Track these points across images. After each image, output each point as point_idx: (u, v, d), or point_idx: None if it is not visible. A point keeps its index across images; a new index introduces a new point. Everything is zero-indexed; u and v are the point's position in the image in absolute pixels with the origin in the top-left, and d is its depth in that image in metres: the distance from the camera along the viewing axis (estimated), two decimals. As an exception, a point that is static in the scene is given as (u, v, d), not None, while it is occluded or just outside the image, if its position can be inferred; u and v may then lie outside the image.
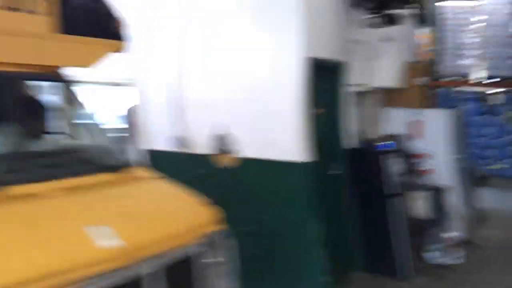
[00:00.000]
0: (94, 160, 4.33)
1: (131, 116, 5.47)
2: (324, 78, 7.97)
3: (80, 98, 4.83)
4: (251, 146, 7.23)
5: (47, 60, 4.24)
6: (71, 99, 4.97)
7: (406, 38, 10.44)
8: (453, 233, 8.66)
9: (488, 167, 16.99)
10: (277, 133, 7.10)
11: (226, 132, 6.49)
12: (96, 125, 4.99)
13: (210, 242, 4.08)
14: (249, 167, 7.21)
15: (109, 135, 5.09)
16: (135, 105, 6.12)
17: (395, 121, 9.90)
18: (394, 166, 8.23)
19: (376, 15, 8.52)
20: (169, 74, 7.75)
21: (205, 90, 7.61)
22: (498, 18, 14.45)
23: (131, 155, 5.01)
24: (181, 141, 6.41)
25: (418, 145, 9.64)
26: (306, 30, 6.95)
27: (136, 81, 8.04)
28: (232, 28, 7.41)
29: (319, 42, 7.49)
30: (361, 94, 9.27)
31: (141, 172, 4.56)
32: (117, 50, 5.03)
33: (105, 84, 9.87)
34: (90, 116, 4.98)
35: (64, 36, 4.40)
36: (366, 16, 8.68)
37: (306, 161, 6.95)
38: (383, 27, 8.81)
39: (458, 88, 16.40)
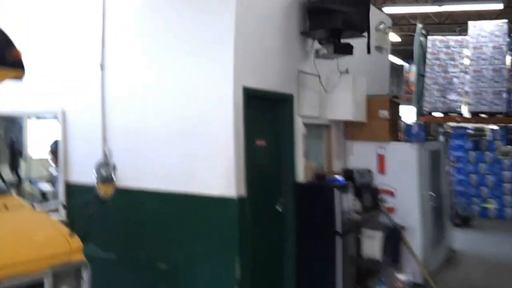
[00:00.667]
0: None
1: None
2: (266, 109, 7.68)
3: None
4: (175, 179, 6.94)
5: None
6: None
7: (372, 68, 10.15)
8: (405, 276, 8.15)
9: (476, 206, 16.46)
10: (203, 165, 6.79)
11: (108, 158, 6.19)
12: None
13: (64, 271, 4.14)
14: (170, 202, 6.93)
15: None
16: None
17: (357, 155, 9.51)
18: (347, 202, 7.79)
19: (329, 45, 8.19)
20: (92, 103, 7.58)
21: (129, 120, 7.38)
22: (485, 52, 14.11)
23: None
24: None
25: (380, 180, 9.22)
26: (239, 61, 6.67)
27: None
28: (161, 55, 7.19)
29: (258, 73, 7.20)
30: (317, 127, 8.93)
31: (9, 200, 4.60)
32: (15, 78, 4.96)
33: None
34: None
35: None
36: (318, 47, 8.37)
37: (235, 196, 6.56)
38: (336, 57, 8.49)
39: (447, 124, 16.07)
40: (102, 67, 7.71)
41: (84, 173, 7.64)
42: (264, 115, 7.63)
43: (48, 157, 8.66)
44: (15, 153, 5.40)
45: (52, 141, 8.51)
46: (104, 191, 4.92)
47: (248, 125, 6.90)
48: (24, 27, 8.32)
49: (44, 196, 8.78)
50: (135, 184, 7.30)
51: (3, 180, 5.01)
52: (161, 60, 7.21)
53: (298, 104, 8.12)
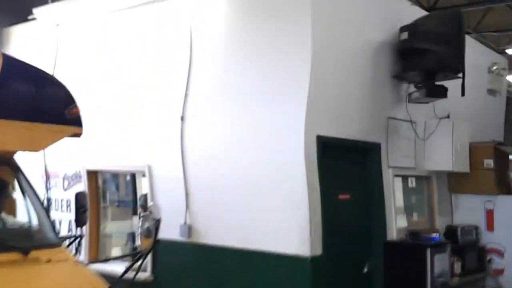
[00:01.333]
0: (7, 241, 4.41)
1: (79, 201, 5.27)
2: (350, 160, 7.06)
3: (26, 181, 4.86)
4: (249, 235, 6.48)
5: None
6: (17, 182, 4.94)
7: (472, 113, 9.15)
8: None
9: None
10: (276, 221, 6.28)
11: (153, 212, 5.87)
12: (33, 207, 4.92)
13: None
14: (245, 260, 6.46)
15: (39, 217, 4.90)
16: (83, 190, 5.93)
17: (463, 209, 8.49)
18: (442, 264, 6.87)
19: (422, 88, 7.46)
20: (173, 157, 7.41)
21: (205, 173, 7.10)
22: None
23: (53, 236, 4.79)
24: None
25: (488, 238, 8.11)
26: (313, 107, 6.20)
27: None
28: (234, 104, 6.89)
29: (337, 120, 6.66)
30: (416, 179, 8.10)
31: (55, 254, 4.52)
32: (73, 135, 4.97)
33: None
34: (32, 198, 4.93)
35: (7, 122, 4.41)
36: (411, 90, 7.66)
37: (309, 255, 5.97)
38: (431, 101, 7.71)
39: None
40: (182, 119, 7.55)
41: (169, 228, 7.49)
42: (347, 166, 7.01)
43: (139, 211, 8.61)
44: (81, 206, 5.26)
45: (141, 196, 8.47)
46: (145, 245, 4.62)
47: (327, 178, 6.33)
48: (109, 87, 8.58)
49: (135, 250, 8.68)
50: (212, 241, 6.97)
51: (56, 233, 4.89)
52: (234, 110, 6.91)
53: (387, 154, 7.40)
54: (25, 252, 4.24)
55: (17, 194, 4.98)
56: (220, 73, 7.17)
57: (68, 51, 9.31)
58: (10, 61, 4.58)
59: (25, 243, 4.45)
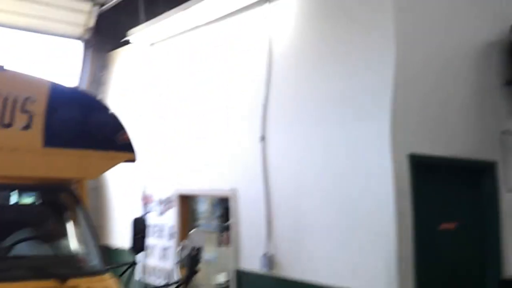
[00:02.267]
0: (47, 267, 4.26)
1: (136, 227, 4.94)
2: (455, 182, 5.99)
3: (82, 208, 4.66)
4: (335, 272, 5.68)
5: (41, 172, 4.30)
6: (71, 209, 4.78)
7: None
8: None
9: None
10: (362, 256, 5.41)
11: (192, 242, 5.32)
12: (83, 234, 4.73)
13: None
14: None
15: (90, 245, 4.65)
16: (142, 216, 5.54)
17: None
18: None
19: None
20: (255, 181, 6.82)
21: (288, 200, 6.40)
22: None
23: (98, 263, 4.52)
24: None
25: None
26: (401, 121, 5.35)
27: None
28: (315, 123, 6.14)
29: (434, 136, 5.67)
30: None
31: (93, 282, 4.33)
32: (127, 161, 4.87)
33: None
34: (85, 226, 4.74)
35: (59, 150, 4.41)
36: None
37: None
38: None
39: None
40: (262, 139, 6.94)
41: (250, 258, 6.93)
42: (451, 189, 5.94)
43: (222, 237, 8.12)
44: (138, 232, 4.95)
45: (224, 223, 7.98)
46: (183, 274, 4.13)
47: (423, 204, 5.38)
48: (194, 109, 8.30)
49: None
50: (294, 274, 6.28)
51: (103, 261, 4.55)
52: (315, 128, 6.17)
53: (504, 174, 6.20)
54: (63, 279, 4.08)
55: (69, 221, 4.75)
56: (298, 88, 6.48)
57: (160, 71, 9.24)
58: (58, 88, 4.50)
59: (66, 270, 4.30)
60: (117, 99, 10.27)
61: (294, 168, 6.41)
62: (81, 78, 10.74)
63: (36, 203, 5.20)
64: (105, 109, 4.81)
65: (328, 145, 5.96)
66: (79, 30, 10.61)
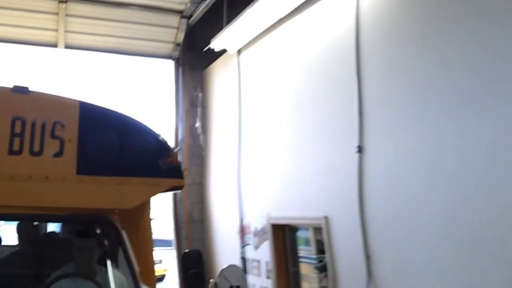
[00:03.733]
0: None
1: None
2: None
3: (123, 242, 4.14)
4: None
5: (75, 202, 3.94)
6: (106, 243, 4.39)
7: None
8: None
9: None
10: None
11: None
12: (118, 271, 4.24)
13: None
14: None
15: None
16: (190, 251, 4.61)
17: None
18: None
19: None
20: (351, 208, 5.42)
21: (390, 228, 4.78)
22: None
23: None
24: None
25: None
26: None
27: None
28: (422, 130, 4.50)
29: None
30: None
31: None
32: (172, 188, 4.29)
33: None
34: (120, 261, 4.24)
35: (94, 178, 4.02)
36: None
37: None
38: None
39: None
40: (360, 150, 5.43)
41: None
42: None
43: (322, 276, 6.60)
44: (189, 268, 4.32)
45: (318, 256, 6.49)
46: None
47: None
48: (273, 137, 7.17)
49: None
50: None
51: None
52: (441, 130, 4.51)
53: None
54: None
55: (108, 256, 4.26)
56: (392, 82, 4.88)
57: (249, 82, 8.22)
58: (90, 109, 4.09)
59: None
60: (218, 119, 9.29)
61: (400, 186, 4.79)
62: (177, 100, 9.92)
63: (71, 236, 4.63)
64: (145, 130, 4.28)
65: (462, 149, 4.26)
66: (169, 48, 9.81)
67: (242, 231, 8.19)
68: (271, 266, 7.19)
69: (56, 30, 9.24)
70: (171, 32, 9.59)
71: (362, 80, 5.56)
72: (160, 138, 4.27)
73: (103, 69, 9.53)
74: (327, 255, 5.98)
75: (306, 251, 7.07)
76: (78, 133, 3.90)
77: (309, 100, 6.56)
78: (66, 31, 9.26)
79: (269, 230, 7.21)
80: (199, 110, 9.73)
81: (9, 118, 3.72)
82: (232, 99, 8.56)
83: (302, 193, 6.48)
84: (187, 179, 9.56)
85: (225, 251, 8.74)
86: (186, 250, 4.55)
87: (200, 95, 9.77)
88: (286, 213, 6.83)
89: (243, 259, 8.09)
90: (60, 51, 9.44)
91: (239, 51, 8.38)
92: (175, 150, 9.69)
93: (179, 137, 9.80)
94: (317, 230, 6.42)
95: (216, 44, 8.16)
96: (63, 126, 3.87)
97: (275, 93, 7.34)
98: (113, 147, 4.06)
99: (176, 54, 9.82)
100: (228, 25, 7.65)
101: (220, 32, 7.94)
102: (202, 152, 9.64)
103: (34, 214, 4.00)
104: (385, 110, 5.24)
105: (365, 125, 5.50)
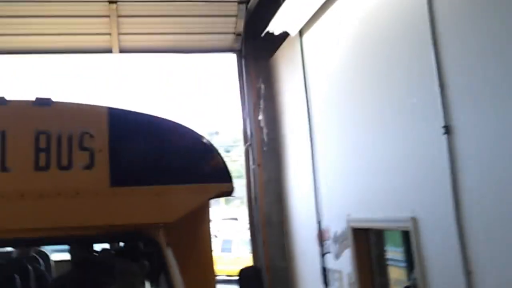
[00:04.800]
0: None
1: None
2: None
3: (167, 261, 3.68)
4: None
5: (110, 218, 3.62)
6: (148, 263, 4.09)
7: None
8: None
9: None
10: None
11: None
12: None
13: None
14: None
15: None
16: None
17: None
18: None
19: None
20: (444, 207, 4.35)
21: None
22: None
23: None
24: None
25: None
26: None
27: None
28: None
29: None
30: None
31: None
32: (220, 194, 3.86)
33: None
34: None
35: (130, 189, 3.65)
36: None
37: None
38: None
39: None
40: (447, 130, 4.35)
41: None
42: None
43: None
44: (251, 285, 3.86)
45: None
46: None
47: None
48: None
49: None
50: None
51: None
52: None
53: None
54: None
55: (151, 276, 4.03)
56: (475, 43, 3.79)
57: (314, 61, 7.27)
58: (118, 115, 3.77)
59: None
60: (287, 110, 8.38)
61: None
62: (242, 94, 9.10)
63: (109, 256, 4.50)
64: (184, 130, 3.88)
65: None
66: (229, 39, 8.98)
67: (321, 236, 7.19)
68: (354, 278, 6.14)
69: (110, 34, 8.68)
70: (230, 21, 8.76)
71: (439, 45, 4.48)
72: (202, 137, 3.88)
73: (160, 71, 8.81)
74: (416, 268, 4.88)
75: (396, 253, 5.99)
76: (108, 141, 3.60)
77: (381, 78, 5.52)
78: (120, 34, 8.68)
79: (349, 235, 6.17)
80: (262, 102, 8.85)
81: (32, 133, 3.48)
82: (299, 87, 7.60)
83: (383, 189, 5.46)
84: (263, 176, 8.76)
85: (305, 260, 7.77)
86: (244, 267, 4.00)
87: (263, 86, 8.88)
88: (368, 214, 5.77)
89: (324, 270, 7.10)
90: (115, 56, 8.90)
91: (300, 33, 7.40)
92: (246, 146, 9.00)
93: (248, 133, 9.00)
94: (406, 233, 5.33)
95: (274, 26, 7.23)
96: (91, 136, 3.58)
97: (343, 75, 6.38)
98: (149, 153, 3.74)
99: (237, 45, 8.98)
100: (286, 1, 6.72)
101: (277, 12, 7.00)
102: (274, 146, 8.76)
103: (65, 236, 3.65)
104: (471, 78, 4.10)
105: (449, 99, 4.38)
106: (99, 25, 8.54)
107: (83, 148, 3.59)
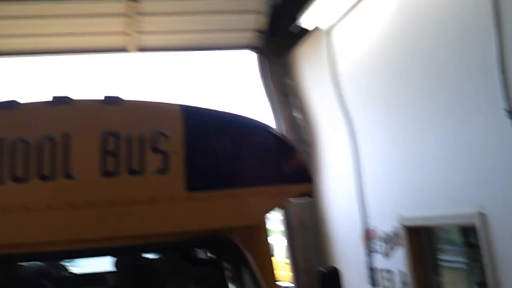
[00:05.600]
0: None
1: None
2: None
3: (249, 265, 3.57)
4: None
5: (187, 224, 3.41)
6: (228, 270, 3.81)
7: None
8: None
9: None
10: None
11: None
12: None
13: None
14: None
15: None
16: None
17: None
18: None
19: None
20: None
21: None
22: None
23: None
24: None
25: None
26: None
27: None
28: None
29: None
30: None
31: None
32: (298, 195, 3.65)
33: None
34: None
35: (208, 193, 3.43)
36: None
37: None
38: None
39: None
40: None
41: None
42: None
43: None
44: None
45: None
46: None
47: None
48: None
49: None
50: None
51: None
52: None
53: None
54: None
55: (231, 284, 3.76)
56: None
57: (349, 54, 6.95)
58: (193, 113, 3.52)
59: None
60: (317, 106, 8.11)
61: None
62: (267, 92, 8.80)
63: (187, 264, 4.05)
64: (262, 129, 3.67)
65: None
66: (250, 36, 8.67)
67: (367, 236, 6.91)
68: (409, 277, 5.87)
69: (126, 33, 8.35)
70: (250, 18, 8.43)
71: (502, 25, 4.19)
72: (282, 136, 3.72)
73: (178, 70, 8.55)
74: (487, 267, 4.60)
75: (451, 254, 5.73)
76: (184, 142, 3.37)
77: (435, 65, 5.24)
78: (138, 32, 8.35)
79: (402, 234, 5.90)
80: (292, 99, 8.55)
81: (98, 135, 3.21)
82: (328, 83, 7.32)
83: (442, 184, 5.21)
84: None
85: (347, 261, 7.49)
86: (323, 267, 3.78)
87: (289, 82, 8.59)
88: (423, 212, 5.51)
89: (371, 270, 6.82)
90: (132, 55, 8.58)
91: (330, 26, 7.13)
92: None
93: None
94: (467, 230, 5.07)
95: (305, 21, 6.94)
96: (165, 136, 3.32)
97: (388, 65, 6.12)
98: (227, 154, 3.53)
99: (258, 42, 8.67)
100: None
101: (308, 7, 6.72)
102: (307, 145, 8.45)
103: (140, 245, 3.44)
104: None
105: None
106: (117, 24, 8.23)
107: (157, 150, 3.34)
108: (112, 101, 3.31)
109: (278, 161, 3.61)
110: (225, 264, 3.85)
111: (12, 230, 3.17)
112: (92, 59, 8.64)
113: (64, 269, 4.35)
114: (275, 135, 3.68)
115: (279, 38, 8.25)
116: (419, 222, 5.71)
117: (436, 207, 5.28)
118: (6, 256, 3.22)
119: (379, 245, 6.58)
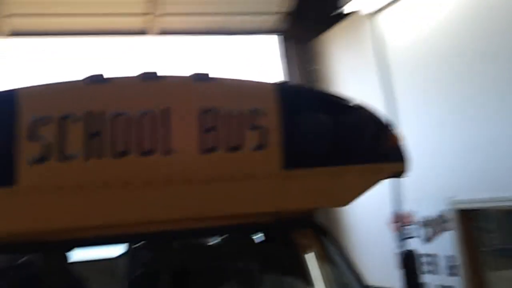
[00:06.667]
0: None
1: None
2: None
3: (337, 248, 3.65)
4: None
5: (282, 203, 3.40)
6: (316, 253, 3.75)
7: None
8: None
9: None
10: None
11: None
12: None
13: None
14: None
15: None
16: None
17: None
18: None
19: None
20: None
21: None
22: None
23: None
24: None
25: None
26: None
27: None
28: None
29: None
30: None
31: None
32: (390, 175, 3.55)
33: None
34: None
35: (305, 171, 3.38)
36: None
37: None
38: None
39: None
40: None
41: None
42: None
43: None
44: (409, 268, 3.45)
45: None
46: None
47: None
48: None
49: None
50: None
51: None
52: None
53: None
54: None
55: (319, 268, 3.68)
56: None
57: (397, 40, 6.99)
58: (288, 90, 3.57)
59: None
60: (351, 94, 8.02)
61: None
62: (290, 79, 8.69)
63: (267, 247, 3.98)
64: (356, 105, 3.55)
65: None
66: (274, 19, 8.53)
67: (400, 221, 6.90)
68: (460, 261, 5.90)
69: (147, 15, 8.12)
70: (277, 1, 8.32)
71: None
72: (378, 113, 3.56)
73: (198, 55, 8.36)
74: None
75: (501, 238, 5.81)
76: (280, 119, 3.31)
77: (497, 49, 5.23)
78: (159, 14, 8.13)
79: (454, 217, 5.91)
80: (317, 86, 8.47)
81: (195, 111, 3.13)
82: (369, 68, 7.26)
83: (499, 166, 5.19)
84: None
85: (372, 247, 7.47)
86: (403, 250, 3.66)
87: (315, 69, 8.49)
88: (477, 194, 5.53)
89: (403, 254, 6.84)
90: (152, 38, 8.35)
91: (374, 12, 7.09)
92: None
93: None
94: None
95: (346, 4, 6.87)
96: (262, 113, 3.28)
97: (439, 52, 6.06)
98: (323, 131, 3.43)
99: (283, 26, 8.55)
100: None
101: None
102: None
103: (226, 226, 3.43)
104: None
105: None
106: (137, 5, 8.00)
107: (254, 127, 3.29)
108: (203, 78, 3.23)
109: (375, 137, 3.53)
110: (311, 248, 3.75)
111: (111, 209, 3.08)
112: (111, 42, 8.34)
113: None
114: (370, 112, 3.58)
115: (308, 21, 8.13)
116: (472, 205, 5.75)
117: (486, 189, 5.35)
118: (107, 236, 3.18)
119: (418, 230, 6.58)
